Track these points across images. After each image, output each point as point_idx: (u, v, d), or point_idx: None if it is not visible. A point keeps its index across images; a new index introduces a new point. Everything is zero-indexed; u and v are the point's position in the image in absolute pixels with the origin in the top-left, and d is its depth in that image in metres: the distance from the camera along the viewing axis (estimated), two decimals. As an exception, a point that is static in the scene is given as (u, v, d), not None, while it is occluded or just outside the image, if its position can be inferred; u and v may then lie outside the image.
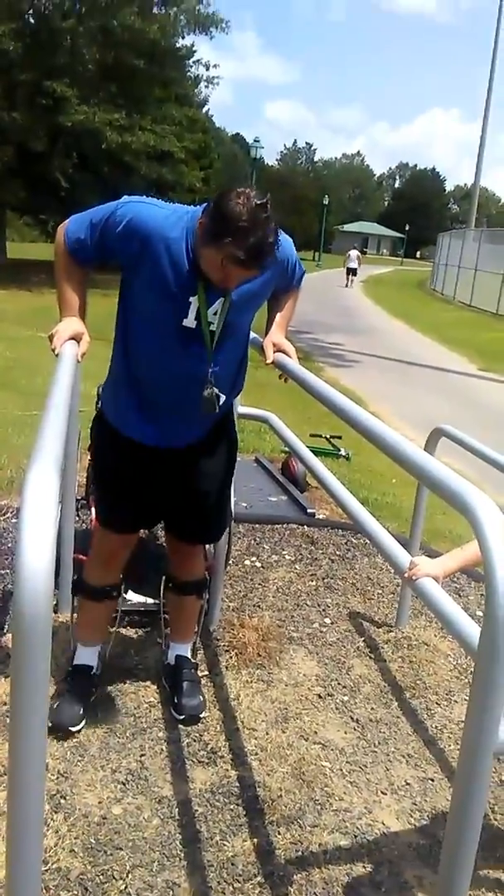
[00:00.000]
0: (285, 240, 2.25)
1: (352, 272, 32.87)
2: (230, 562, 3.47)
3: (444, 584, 1.89)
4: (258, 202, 1.92)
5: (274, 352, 2.33)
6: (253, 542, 3.99)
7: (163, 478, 2.40)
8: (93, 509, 2.88)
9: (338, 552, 4.00)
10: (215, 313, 2.16)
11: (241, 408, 2.88)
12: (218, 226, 1.95)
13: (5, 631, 2.88)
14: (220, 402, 2.26)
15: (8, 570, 3.34)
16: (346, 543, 4.09)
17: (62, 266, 2.25)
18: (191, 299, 2.14)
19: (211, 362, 2.20)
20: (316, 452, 4.31)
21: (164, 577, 2.70)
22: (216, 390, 2.22)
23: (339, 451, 6.00)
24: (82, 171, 22.50)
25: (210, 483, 2.46)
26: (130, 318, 2.25)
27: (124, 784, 2.23)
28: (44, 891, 1.81)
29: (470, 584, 3.77)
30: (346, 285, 31.79)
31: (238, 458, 2.62)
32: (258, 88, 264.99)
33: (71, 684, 2.54)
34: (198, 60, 25.60)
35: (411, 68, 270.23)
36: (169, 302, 2.14)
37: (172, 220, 2.11)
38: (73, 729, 2.42)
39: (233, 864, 1.99)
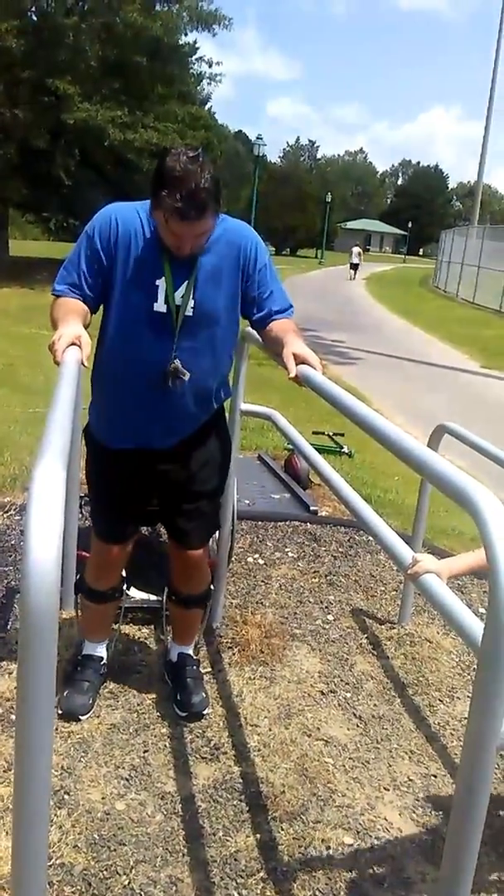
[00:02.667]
0: (244, 226, 2.30)
1: (354, 267, 36.11)
2: (233, 559, 3.47)
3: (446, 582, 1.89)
4: (190, 155, 2.00)
5: (297, 363, 2.07)
6: (256, 539, 3.99)
7: (152, 483, 2.41)
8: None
9: (340, 549, 4.00)
10: (182, 296, 2.18)
11: (243, 405, 2.88)
12: (156, 184, 2.01)
13: (9, 628, 2.89)
14: (185, 379, 2.21)
15: (11, 567, 3.35)
16: (348, 540, 4.10)
17: (52, 308, 2.17)
18: (157, 282, 2.17)
19: (176, 340, 2.19)
20: (318, 450, 4.31)
21: (166, 589, 2.71)
22: (179, 364, 2.20)
23: (342, 448, 6.00)
24: (85, 168, 22.47)
25: (200, 486, 2.45)
26: (108, 316, 2.26)
27: (127, 780, 2.23)
28: (48, 886, 1.82)
29: (473, 581, 3.77)
30: (350, 278, 35.03)
31: (240, 456, 2.63)
32: (261, 85, 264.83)
33: (81, 673, 2.57)
34: (200, 58, 25.53)
35: (414, 66, 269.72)
36: (139, 288, 2.17)
37: (134, 208, 2.20)
38: (83, 717, 2.45)
39: (236, 860, 2.00)
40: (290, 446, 4.63)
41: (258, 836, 2.09)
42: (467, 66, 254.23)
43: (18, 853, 0.98)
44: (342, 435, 6.08)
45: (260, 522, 4.16)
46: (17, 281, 18.52)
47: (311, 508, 4.40)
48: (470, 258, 27.28)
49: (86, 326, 2.10)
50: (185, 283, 2.17)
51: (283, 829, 2.12)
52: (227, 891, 1.90)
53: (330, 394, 1.89)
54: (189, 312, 2.19)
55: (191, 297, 2.18)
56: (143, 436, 2.32)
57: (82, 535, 2.93)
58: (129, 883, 1.89)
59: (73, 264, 2.20)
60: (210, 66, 25.79)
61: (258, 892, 1.91)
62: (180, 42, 23.37)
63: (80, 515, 3.12)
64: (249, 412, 3.01)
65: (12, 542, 3.59)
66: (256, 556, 3.81)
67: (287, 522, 4.22)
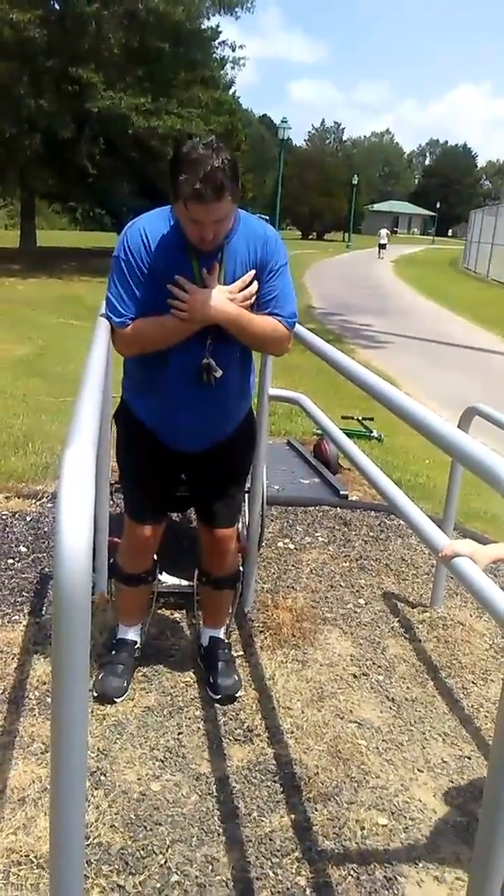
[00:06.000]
0: (264, 225, 2.31)
1: (382, 247, 40.06)
2: (263, 544, 3.49)
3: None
4: (204, 142, 2.01)
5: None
6: (286, 524, 4.00)
7: (182, 467, 2.50)
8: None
9: (371, 533, 3.99)
10: None
11: (271, 390, 2.88)
12: (174, 171, 2.02)
13: (44, 613, 2.93)
14: (217, 377, 2.25)
15: (45, 554, 3.39)
16: (379, 525, 4.09)
17: (125, 337, 2.22)
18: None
19: (206, 340, 2.22)
20: (348, 434, 4.30)
21: (196, 571, 2.75)
22: (212, 362, 2.24)
23: (372, 432, 5.97)
24: (109, 156, 22.48)
25: (228, 469, 2.52)
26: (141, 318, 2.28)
27: (162, 761, 2.26)
28: (86, 865, 1.85)
29: (505, 564, 3.74)
30: (379, 257, 38.23)
31: (270, 441, 2.64)
32: (285, 68, 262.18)
33: (115, 657, 2.61)
34: (223, 41, 25.37)
35: (441, 43, 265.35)
36: (169, 293, 2.18)
37: (157, 216, 2.23)
38: (118, 700, 2.49)
39: (270, 840, 2.02)
40: (319, 431, 4.62)
41: (293, 816, 2.11)
42: (497, 41, 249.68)
43: (56, 832, 1.00)
44: (371, 419, 6.05)
45: (290, 507, 4.17)
46: (44, 271, 18.64)
47: (341, 493, 4.40)
48: (500, 238, 26.88)
49: None
50: None
51: (317, 810, 2.14)
52: (262, 870, 1.93)
53: (359, 376, 1.90)
54: None
55: None
56: (185, 443, 2.39)
57: (113, 522, 2.96)
58: (165, 862, 1.92)
59: (124, 292, 2.20)
60: (233, 50, 25.66)
61: (293, 871, 1.93)
62: (202, 26, 23.25)
63: (111, 502, 3.15)
64: (278, 397, 3.01)
65: (45, 530, 3.64)
66: (287, 540, 3.82)
67: (317, 507, 4.22)
